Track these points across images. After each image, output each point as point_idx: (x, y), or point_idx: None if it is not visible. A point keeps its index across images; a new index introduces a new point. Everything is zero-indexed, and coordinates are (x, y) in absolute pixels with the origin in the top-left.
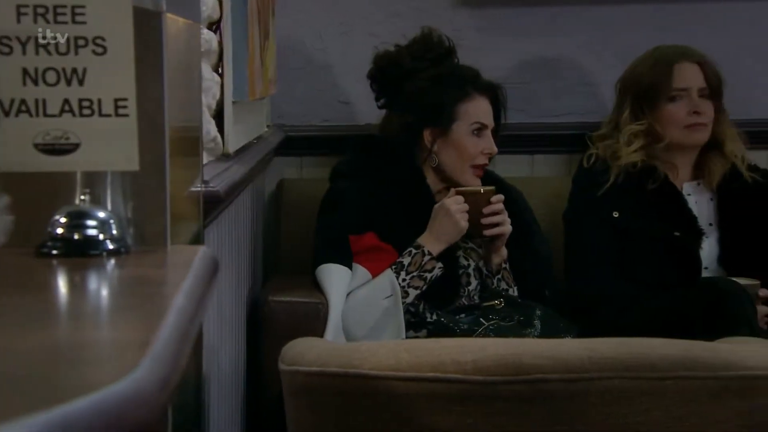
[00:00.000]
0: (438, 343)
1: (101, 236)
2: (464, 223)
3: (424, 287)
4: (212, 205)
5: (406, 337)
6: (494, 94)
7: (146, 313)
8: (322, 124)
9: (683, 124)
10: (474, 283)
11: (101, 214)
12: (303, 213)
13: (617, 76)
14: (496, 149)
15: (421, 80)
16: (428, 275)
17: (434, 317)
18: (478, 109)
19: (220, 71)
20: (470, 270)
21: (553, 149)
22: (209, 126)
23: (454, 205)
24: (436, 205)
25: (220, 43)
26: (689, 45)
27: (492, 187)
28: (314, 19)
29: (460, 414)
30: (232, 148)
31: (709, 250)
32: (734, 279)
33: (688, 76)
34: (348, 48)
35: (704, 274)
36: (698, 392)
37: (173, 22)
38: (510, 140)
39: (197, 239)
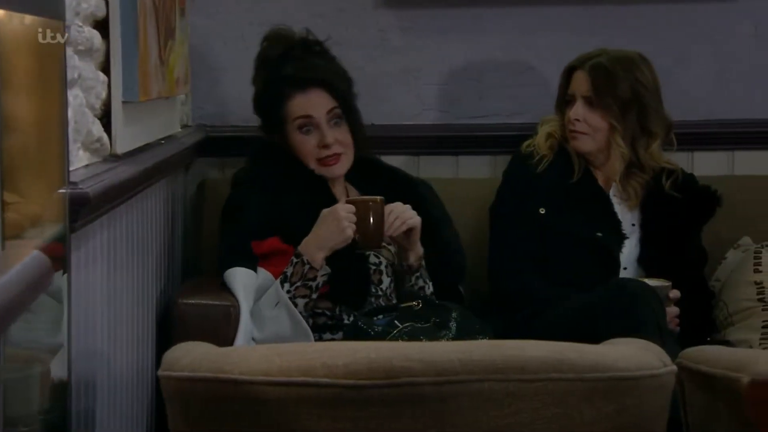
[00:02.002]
0: (310, 347)
1: None
2: (350, 232)
3: (313, 295)
4: (89, 207)
5: (323, 340)
6: (325, 84)
7: None
8: (244, 125)
9: (568, 129)
10: (386, 281)
11: None
12: None
13: (540, 78)
14: (329, 140)
15: (258, 87)
16: (312, 283)
17: (351, 319)
18: (296, 106)
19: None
20: (382, 267)
21: (477, 150)
22: (92, 126)
23: (343, 212)
24: (325, 210)
25: (107, 42)
26: (625, 50)
27: (380, 197)
28: (236, 19)
29: (331, 418)
30: (121, 149)
31: (629, 250)
32: (645, 280)
33: (576, 83)
34: None
35: (623, 274)
36: (567, 394)
37: (13, 20)
38: (434, 141)
39: (61, 241)
